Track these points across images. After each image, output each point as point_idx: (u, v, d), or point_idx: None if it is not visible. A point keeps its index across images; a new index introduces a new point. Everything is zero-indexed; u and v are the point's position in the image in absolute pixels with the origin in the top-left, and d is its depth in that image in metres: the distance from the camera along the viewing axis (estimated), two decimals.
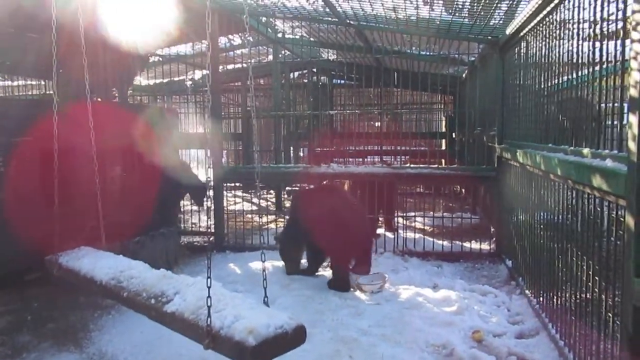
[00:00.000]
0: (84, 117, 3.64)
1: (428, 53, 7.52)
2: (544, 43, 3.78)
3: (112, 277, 3.09)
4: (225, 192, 6.35)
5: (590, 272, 2.66)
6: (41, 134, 3.60)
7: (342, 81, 10.98)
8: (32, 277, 4.21)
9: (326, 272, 4.93)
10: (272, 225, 6.56)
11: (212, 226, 6.23)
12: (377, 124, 11.90)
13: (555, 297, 3.38)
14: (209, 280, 2.35)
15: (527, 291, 4.19)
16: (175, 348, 3.03)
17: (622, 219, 2.21)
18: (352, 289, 4.42)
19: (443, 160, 8.45)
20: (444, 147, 9.68)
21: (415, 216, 6.91)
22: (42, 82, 9.24)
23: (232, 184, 9.24)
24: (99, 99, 5.54)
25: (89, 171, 3.68)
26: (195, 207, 7.09)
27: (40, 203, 3.74)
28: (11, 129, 3.73)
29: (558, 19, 3.41)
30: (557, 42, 3.43)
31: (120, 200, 4.58)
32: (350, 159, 7.13)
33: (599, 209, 2.59)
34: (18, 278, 4.27)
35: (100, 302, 4.03)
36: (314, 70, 9.62)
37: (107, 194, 4.13)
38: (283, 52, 8.66)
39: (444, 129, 10.68)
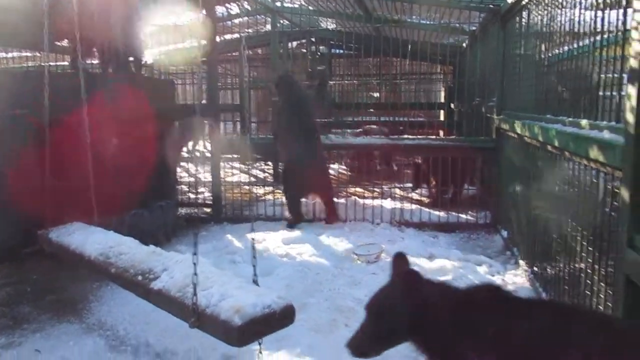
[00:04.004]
0: (78, 89, 3.60)
1: (428, 22, 7.41)
2: (545, 12, 3.72)
3: (101, 252, 3.08)
4: (223, 164, 6.34)
5: (585, 243, 2.68)
6: (34, 107, 3.57)
7: (341, 51, 10.86)
8: (31, 250, 4.24)
9: (326, 238, 4.97)
10: (270, 197, 6.57)
11: (210, 197, 6.26)
12: (376, 94, 11.81)
13: (549, 267, 3.42)
14: (195, 257, 2.31)
15: (521, 261, 4.23)
16: (173, 318, 3.05)
17: (617, 191, 2.21)
18: (354, 259, 4.46)
19: (441, 131, 8.42)
20: (442, 118, 9.64)
21: (412, 188, 6.93)
22: (37, 54, 9.12)
23: (230, 156, 9.23)
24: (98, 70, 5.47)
25: (82, 143, 3.65)
26: (192, 179, 7.10)
27: (36, 176, 3.73)
28: (5, 102, 3.68)
29: None
30: (559, 11, 3.38)
31: (116, 173, 4.56)
32: (349, 130, 7.11)
33: (595, 180, 2.59)
34: (17, 251, 4.30)
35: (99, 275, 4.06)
36: (313, 39, 9.49)
37: (103, 166, 4.11)
38: (281, 21, 8.53)
39: (443, 100, 10.61)
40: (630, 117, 1.94)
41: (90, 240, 3.30)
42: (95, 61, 7.03)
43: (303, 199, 5.81)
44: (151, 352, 3.01)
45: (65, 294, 3.86)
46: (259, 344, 2.42)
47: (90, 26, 4.33)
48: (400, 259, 2.18)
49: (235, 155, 9.32)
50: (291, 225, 5.50)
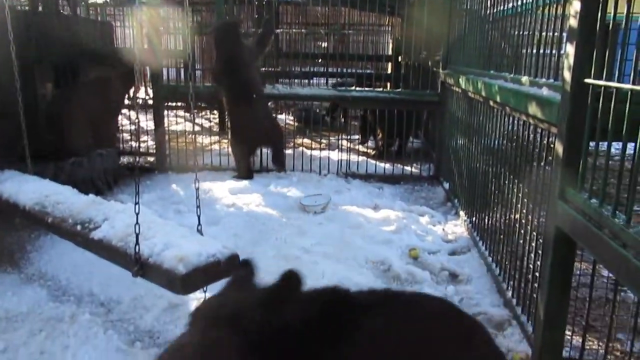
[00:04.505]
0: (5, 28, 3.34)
1: None
2: None
3: (36, 202, 2.96)
4: (166, 112, 6.15)
5: (520, 195, 2.83)
6: None
7: None
8: None
9: (273, 189, 5.00)
10: (216, 147, 6.47)
11: (153, 146, 6.09)
12: (324, 44, 11.65)
13: (487, 218, 3.60)
14: (137, 206, 2.26)
15: (461, 212, 4.42)
16: (118, 269, 3.02)
17: (552, 146, 2.33)
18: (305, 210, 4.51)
19: (388, 84, 8.47)
20: (389, 71, 9.66)
21: (359, 140, 7.01)
22: None
23: (173, 104, 8.94)
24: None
25: (11, 87, 3.43)
26: (134, 127, 6.86)
27: None
28: None
29: None
30: None
31: (51, 119, 4.34)
32: (296, 80, 7.02)
33: (532, 135, 2.72)
34: None
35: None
36: None
37: (36, 112, 3.90)
38: None
39: (390, 52, 10.61)
40: (567, 75, 2.02)
41: (23, 189, 3.15)
42: None
43: (251, 154, 5.74)
44: (95, 301, 2.99)
45: (0, 244, 3.71)
46: (204, 291, 2.45)
47: None
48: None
49: (179, 103, 9.05)
50: (239, 178, 5.46)
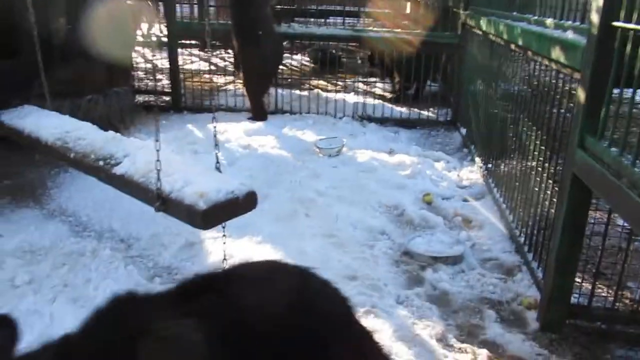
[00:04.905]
0: None
1: None
2: None
3: (58, 137, 2.99)
4: (180, 50, 6.07)
5: (538, 142, 2.80)
6: None
7: None
8: None
9: (288, 131, 5.00)
10: (231, 87, 6.41)
11: (169, 85, 6.06)
12: None
13: (502, 164, 3.58)
14: (157, 143, 2.27)
15: (477, 158, 4.39)
16: (138, 205, 3.06)
17: (574, 92, 2.27)
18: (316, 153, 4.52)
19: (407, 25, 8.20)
20: (408, 11, 9.35)
21: (376, 82, 6.89)
22: None
23: (188, 42, 8.81)
24: None
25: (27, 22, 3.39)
26: (149, 65, 6.79)
27: None
28: None
29: None
30: None
31: (66, 55, 4.31)
32: (312, 20, 6.85)
33: (554, 81, 2.65)
34: None
35: (56, 161, 3.98)
36: None
37: (51, 48, 3.86)
38: None
39: None
40: (595, 18, 1.94)
41: (44, 124, 3.18)
42: None
43: (262, 94, 5.70)
44: (115, 237, 3.07)
45: (22, 180, 3.80)
46: (223, 227, 2.51)
47: None
48: None
49: (194, 42, 8.92)
50: (253, 119, 5.44)
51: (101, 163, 2.66)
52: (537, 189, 2.77)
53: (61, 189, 3.67)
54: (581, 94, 2.07)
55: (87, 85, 4.45)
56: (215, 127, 2.47)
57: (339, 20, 8.10)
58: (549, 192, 2.60)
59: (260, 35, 5.31)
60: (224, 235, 2.58)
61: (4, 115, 3.41)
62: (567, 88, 2.47)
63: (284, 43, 6.46)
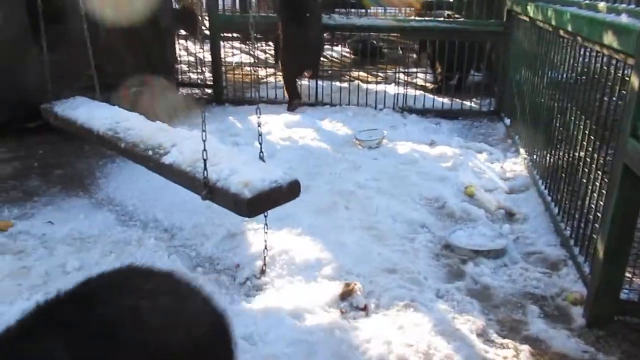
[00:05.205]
0: None
1: None
2: None
3: (109, 127, 3.10)
4: (222, 43, 6.14)
5: (587, 132, 2.69)
6: None
7: None
8: (33, 125, 4.25)
9: (328, 123, 4.99)
10: (272, 79, 6.45)
11: (211, 78, 6.15)
12: None
13: (548, 155, 3.47)
14: (204, 133, 2.35)
15: (521, 149, 4.27)
16: (181, 196, 3.17)
17: (627, 79, 2.17)
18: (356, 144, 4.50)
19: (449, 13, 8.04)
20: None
21: (417, 72, 6.79)
22: None
23: (230, 35, 8.91)
24: None
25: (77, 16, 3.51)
26: (192, 59, 6.91)
27: (31, 49, 3.64)
28: None
29: None
30: None
31: (113, 48, 4.44)
32: (353, 10, 6.80)
33: (605, 67, 2.54)
34: (20, 125, 4.32)
35: (104, 151, 4.11)
36: None
37: (100, 42, 3.99)
38: None
39: None
40: None
41: (96, 114, 3.32)
42: None
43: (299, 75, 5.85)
44: (160, 226, 3.15)
45: (72, 170, 3.95)
46: (265, 216, 2.54)
47: None
48: None
49: (235, 35, 9.01)
50: (291, 109, 5.47)
51: (150, 152, 2.75)
52: (585, 180, 2.67)
53: (109, 179, 3.79)
54: (635, 81, 1.98)
55: (133, 78, 4.58)
56: (259, 117, 2.51)
57: (380, 10, 8.03)
58: (597, 183, 2.50)
59: (307, 17, 5.34)
60: (265, 225, 2.62)
61: (57, 107, 3.55)
62: (619, 74, 2.36)
63: (325, 35, 6.45)
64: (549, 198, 3.33)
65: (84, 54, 3.55)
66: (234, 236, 3.01)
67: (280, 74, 5.93)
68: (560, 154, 3.18)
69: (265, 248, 2.67)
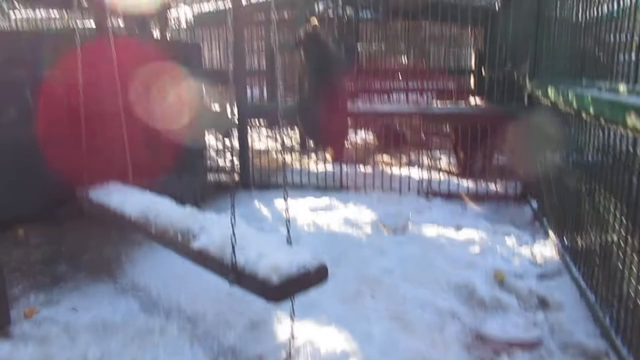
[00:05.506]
0: (108, 52, 3.64)
1: None
2: None
3: (140, 212, 3.18)
4: (249, 130, 6.35)
5: (618, 213, 2.63)
6: (67, 69, 3.60)
7: (369, 14, 10.60)
8: (66, 210, 4.37)
9: (353, 207, 5.00)
10: (297, 164, 6.58)
11: (237, 164, 6.30)
12: (404, 58, 11.55)
13: (579, 239, 3.37)
14: (233, 218, 2.39)
15: (551, 232, 4.17)
16: (204, 282, 3.15)
17: None
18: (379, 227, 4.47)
19: (471, 98, 8.23)
20: (472, 85, 9.41)
21: (440, 156, 6.85)
22: (65, 14, 9.18)
23: (257, 121, 9.23)
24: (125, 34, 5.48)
25: (115, 108, 3.70)
26: (220, 145, 7.14)
27: (69, 138, 3.81)
28: (36, 63, 3.73)
29: None
30: None
31: (147, 137, 4.62)
32: (376, 97, 7.02)
33: (631, 148, 2.52)
34: (53, 211, 4.44)
35: (131, 236, 4.17)
36: (339, 2, 9.28)
37: (133, 131, 4.16)
38: None
39: (473, 65, 10.34)
40: None
41: (128, 200, 3.40)
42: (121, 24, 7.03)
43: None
44: (182, 314, 3.11)
45: (99, 255, 3.99)
46: (292, 302, 2.49)
47: None
48: None
49: (262, 121, 9.33)
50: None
51: (179, 237, 2.78)
52: (620, 265, 2.56)
53: (134, 264, 3.81)
54: None
55: (163, 164, 4.72)
56: (286, 201, 2.53)
57: (403, 96, 8.26)
58: (634, 268, 2.40)
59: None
60: (292, 311, 2.56)
61: (92, 192, 3.67)
62: None
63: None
64: (584, 284, 3.19)
65: (120, 142, 3.72)
66: (257, 325, 2.94)
67: (305, 159, 6.07)
68: (592, 237, 3.09)
69: (292, 336, 2.60)
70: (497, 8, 7.63)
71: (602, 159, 2.98)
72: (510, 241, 4.18)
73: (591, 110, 2.99)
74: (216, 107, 6.96)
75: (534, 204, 4.97)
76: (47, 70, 3.76)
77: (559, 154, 4.02)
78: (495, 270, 3.56)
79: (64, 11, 8.91)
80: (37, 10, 9.64)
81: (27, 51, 3.70)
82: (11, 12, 10.05)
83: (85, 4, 6.46)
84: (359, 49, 9.54)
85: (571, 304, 3.15)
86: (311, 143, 7.37)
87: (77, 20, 3.85)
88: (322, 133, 5.94)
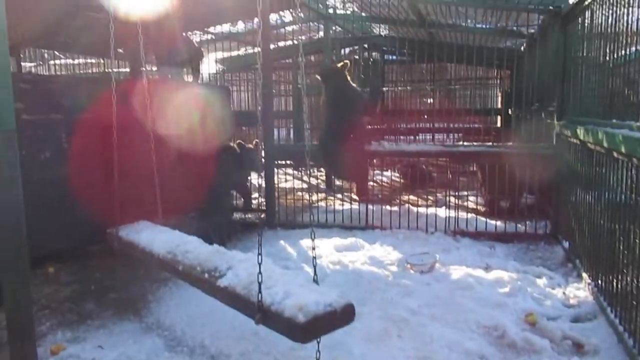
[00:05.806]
0: (142, 95, 3.78)
1: (484, 26, 7.25)
2: (610, 12, 3.56)
3: (168, 250, 3.21)
4: (276, 170, 6.42)
5: None
6: (101, 112, 3.74)
7: (394, 57, 10.79)
8: (95, 248, 4.46)
9: (379, 247, 4.95)
10: (322, 204, 6.60)
11: (264, 203, 6.35)
12: (430, 100, 11.64)
13: (615, 280, 3.25)
14: (259, 257, 2.39)
15: (584, 274, 4.04)
16: (228, 321, 3.14)
17: None
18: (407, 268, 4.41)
19: (498, 138, 8.19)
20: (499, 125, 9.38)
21: (467, 195, 6.78)
22: (102, 61, 9.59)
23: (283, 162, 9.34)
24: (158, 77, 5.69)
25: (146, 148, 3.81)
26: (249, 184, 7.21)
27: (101, 178, 3.92)
28: (73, 107, 3.88)
29: None
30: (625, 10, 3.23)
31: (176, 177, 4.72)
32: (402, 137, 7.04)
33: None
34: (82, 249, 4.53)
35: (157, 275, 4.20)
36: (365, 46, 9.48)
37: (164, 170, 4.26)
38: (334, 28, 8.56)
39: (499, 105, 10.34)
40: None
41: (157, 238, 3.45)
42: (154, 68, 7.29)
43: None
44: (206, 353, 3.08)
45: (126, 293, 4.02)
46: (317, 343, 2.45)
47: (151, 34, 4.53)
48: None
49: (289, 162, 9.44)
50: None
51: (206, 275, 2.79)
52: None
53: (160, 303, 3.82)
54: None
55: (192, 203, 4.80)
56: (313, 240, 2.53)
57: (429, 136, 8.30)
58: None
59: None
60: (317, 352, 2.51)
61: (122, 231, 3.73)
62: None
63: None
64: (621, 328, 3.06)
65: (150, 182, 3.81)
66: None
67: (332, 199, 6.09)
68: (629, 278, 2.98)
69: None
70: (522, 49, 7.68)
71: (637, 198, 2.90)
72: (542, 282, 4.06)
73: (623, 149, 2.95)
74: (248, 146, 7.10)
75: (566, 244, 4.84)
76: (83, 113, 3.92)
77: (590, 193, 3.94)
78: (527, 312, 3.45)
79: (101, 58, 9.31)
80: (75, 57, 10.10)
81: (64, 95, 3.88)
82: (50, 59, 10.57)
83: (121, 51, 6.77)
84: (384, 90, 9.67)
85: (608, 348, 3.01)
86: (336, 181, 7.41)
87: (113, 66, 4.03)
88: (342, 167, 6.00)
